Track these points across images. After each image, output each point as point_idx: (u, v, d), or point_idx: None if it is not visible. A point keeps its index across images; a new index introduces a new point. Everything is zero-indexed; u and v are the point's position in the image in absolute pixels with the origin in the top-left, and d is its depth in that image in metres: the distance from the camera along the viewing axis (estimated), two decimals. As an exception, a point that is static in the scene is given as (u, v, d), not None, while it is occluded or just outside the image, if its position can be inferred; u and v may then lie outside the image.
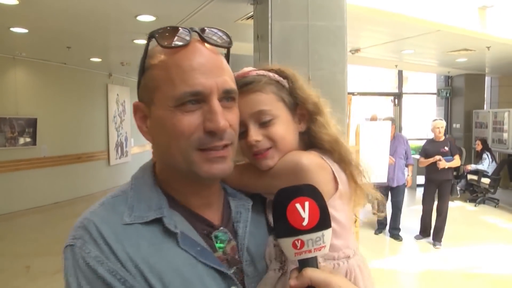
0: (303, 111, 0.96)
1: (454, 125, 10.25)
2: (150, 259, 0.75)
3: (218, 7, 4.15)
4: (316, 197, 0.71)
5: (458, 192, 8.53)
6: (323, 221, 0.71)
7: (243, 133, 0.90)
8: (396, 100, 10.49)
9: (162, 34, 0.79)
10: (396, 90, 10.60)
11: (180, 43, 0.78)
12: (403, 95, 10.58)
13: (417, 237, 6.06)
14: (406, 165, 6.13)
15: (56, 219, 7.09)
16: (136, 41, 5.93)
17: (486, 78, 10.35)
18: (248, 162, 0.96)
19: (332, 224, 0.83)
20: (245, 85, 0.90)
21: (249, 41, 3.46)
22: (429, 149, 5.88)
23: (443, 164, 5.68)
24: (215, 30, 0.84)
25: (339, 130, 0.97)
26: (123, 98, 10.29)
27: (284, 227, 0.70)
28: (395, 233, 6.11)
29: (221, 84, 0.79)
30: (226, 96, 0.81)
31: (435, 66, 9.18)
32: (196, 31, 0.81)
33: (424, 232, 6.02)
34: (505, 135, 8.74)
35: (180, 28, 0.79)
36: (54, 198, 8.10)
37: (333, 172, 0.89)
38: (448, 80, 10.47)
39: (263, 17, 3.11)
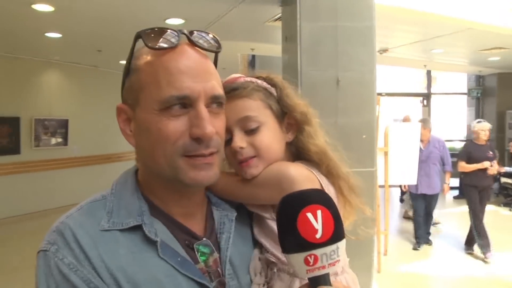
0: (291, 120, 0.93)
1: (485, 126, 9.98)
2: (128, 268, 0.72)
3: (247, 9, 4.19)
4: (328, 204, 0.63)
5: (492, 196, 8.31)
6: (338, 231, 0.62)
7: (229, 140, 0.87)
8: (425, 101, 10.30)
9: (150, 35, 0.75)
10: (425, 91, 10.40)
11: (168, 45, 0.75)
12: (432, 96, 10.38)
13: (467, 250, 5.48)
14: (444, 172, 5.73)
15: (87, 218, 7.29)
16: (165, 44, 6.04)
17: (520, 77, 10.04)
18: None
19: None
20: (232, 91, 0.88)
21: (278, 43, 3.48)
22: (474, 153, 5.38)
23: (493, 171, 5.30)
24: (204, 34, 0.81)
25: (328, 142, 0.93)
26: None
27: (294, 240, 0.61)
28: (426, 237, 5.87)
29: (209, 90, 0.76)
30: (214, 102, 0.77)
31: (465, 65, 8.96)
32: (184, 34, 0.77)
33: (470, 243, 5.46)
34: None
35: (168, 29, 0.76)
36: (85, 197, 8.02)
37: (321, 185, 0.85)
38: (480, 79, 10.20)
39: (292, 18, 3.12)
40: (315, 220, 0.61)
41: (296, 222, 0.60)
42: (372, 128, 3.06)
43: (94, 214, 0.77)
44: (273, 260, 0.86)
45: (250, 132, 0.87)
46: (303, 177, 0.83)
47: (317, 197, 0.63)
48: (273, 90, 0.92)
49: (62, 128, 7.82)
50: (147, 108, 0.75)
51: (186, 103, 0.74)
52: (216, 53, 0.84)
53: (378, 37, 3.21)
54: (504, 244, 5.78)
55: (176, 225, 0.81)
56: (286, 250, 0.63)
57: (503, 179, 8.11)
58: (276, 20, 4.43)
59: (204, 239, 0.83)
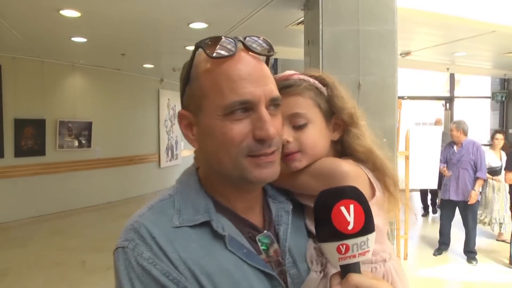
0: (338, 120, 0.96)
1: (510, 131, 9.78)
2: (201, 260, 0.77)
3: (269, 13, 4.22)
4: (360, 199, 0.69)
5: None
6: (368, 225, 0.68)
7: None
8: (448, 104, 10.15)
9: (209, 44, 0.80)
10: (448, 94, 10.25)
11: (228, 53, 0.79)
12: (455, 99, 10.22)
13: None
14: (475, 178, 5.18)
15: (109, 218, 7.42)
16: (188, 48, 6.11)
17: (546, 80, 9.81)
18: None
19: None
20: (285, 88, 0.92)
21: (300, 46, 3.50)
22: None
23: None
24: (257, 38, 0.85)
25: (375, 141, 0.97)
26: (174, 103, 10.59)
27: (328, 230, 0.68)
28: (470, 256, 5.19)
29: (268, 93, 0.80)
30: (272, 104, 0.82)
31: (489, 69, 8.81)
32: (240, 40, 0.81)
33: None
34: None
35: (225, 37, 0.80)
36: (108, 198, 8.48)
37: (369, 179, 0.90)
38: (504, 83, 10.00)
39: (314, 22, 3.14)
40: (348, 213, 0.67)
41: (330, 214, 0.67)
42: (393, 132, 3.05)
43: (165, 213, 0.82)
44: (332, 264, 0.91)
45: (298, 128, 0.92)
46: (354, 173, 0.88)
47: (351, 193, 0.69)
48: (324, 89, 0.96)
49: (85, 130, 7.98)
50: (211, 114, 0.79)
51: (248, 107, 0.78)
52: (269, 56, 0.88)
53: (400, 40, 3.20)
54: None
55: (239, 219, 0.86)
56: (321, 239, 0.70)
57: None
58: (298, 24, 4.45)
59: (265, 231, 0.88)
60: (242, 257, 0.80)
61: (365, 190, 0.86)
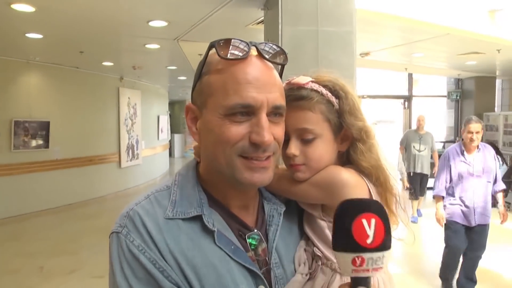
0: (347, 132, 0.96)
1: (464, 128, 10.19)
2: (188, 252, 0.81)
3: (230, 12, 4.21)
4: (382, 215, 0.68)
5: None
6: (386, 241, 0.67)
7: (287, 141, 0.93)
8: (406, 103, 10.47)
9: (223, 45, 0.82)
10: (406, 93, 10.57)
11: (239, 57, 0.82)
12: (413, 98, 10.55)
13: None
14: (495, 192, 4.01)
15: (69, 221, 7.21)
16: (147, 46, 6.03)
17: (497, 80, 10.29)
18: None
19: None
20: (297, 100, 0.92)
21: (260, 46, 3.50)
22: None
23: None
24: (273, 46, 0.87)
25: (383, 156, 0.97)
26: (134, 101, 10.41)
27: (347, 241, 0.67)
28: (468, 286, 4.08)
29: (272, 100, 0.82)
30: (275, 112, 0.84)
31: (445, 69, 9.15)
32: (255, 46, 0.84)
33: None
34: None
35: (240, 41, 0.83)
36: (67, 199, 8.22)
37: (369, 192, 0.91)
38: (459, 82, 10.43)
39: (273, 22, 3.16)
40: (369, 227, 0.66)
41: (352, 225, 0.66)
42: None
43: (159, 203, 0.86)
44: (319, 254, 0.92)
45: (306, 142, 0.93)
46: (353, 182, 0.89)
47: (375, 207, 0.68)
48: (335, 102, 0.95)
49: (43, 130, 7.70)
50: (213, 112, 0.83)
51: (249, 111, 0.81)
52: (281, 65, 0.90)
53: (360, 41, 3.27)
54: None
55: (231, 216, 0.89)
56: (337, 248, 0.69)
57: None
58: (258, 23, 4.46)
59: (255, 230, 0.91)
60: (229, 253, 0.83)
61: None
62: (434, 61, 8.11)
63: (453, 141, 10.11)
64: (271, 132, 0.83)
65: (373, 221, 0.67)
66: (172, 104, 16.50)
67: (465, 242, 4.01)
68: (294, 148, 0.93)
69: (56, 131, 7.88)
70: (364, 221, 0.66)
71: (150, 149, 11.66)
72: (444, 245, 4.23)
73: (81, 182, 8.57)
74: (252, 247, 0.89)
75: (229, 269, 0.83)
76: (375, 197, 0.91)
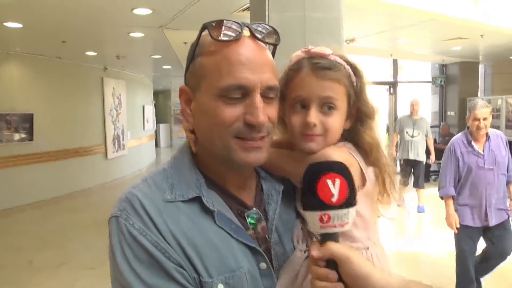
0: (353, 111, 0.97)
1: (449, 113, 10.33)
2: (189, 233, 0.81)
3: (215, -1, 4.16)
4: (346, 175, 0.72)
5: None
6: (350, 199, 0.72)
7: (301, 110, 0.92)
8: (391, 89, 10.54)
9: (215, 26, 0.82)
10: (391, 79, 10.64)
11: (231, 38, 0.81)
12: (398, 84, 10.63)
13: None
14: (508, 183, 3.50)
15: (55, 214, 7.14)
16: (132, 34, 5.93)
17: (480, 66, 10.42)
18: (281, 140, 1.00)
19: (356, 217, 0.87)
20: (323, 69, 0.91)
21: (246, 33, 3.47)
22: None
23: None
24: (266, 26, 0.87)
25: (381, 140, 1.00)
26: (119, 92, 10.28)
27: (313, 200, 0.72)
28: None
29: (265, 81, 0.82)
30: (268, 92, 0.84)
31: (430, 55, 9.23)
32: (247, 26, 0.84)
33: None
34: (499, 121, 8.82)
35: (232, 21, 0.82)
36: (53, 192, 8.12)
37: (361, 169, 0.91)
38: (443, 68, 10.53)
39: (260, 8, 3.12)
40: (333, 186, 0.71)
41: (316, 185, 0.71)
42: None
43: (158, 186, 0.86)
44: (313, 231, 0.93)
45: (326, 112, 0.92)
46: (343, 160, 0.88)
47: (338, 168, 0.73)
48: (355, 79, 0.95)
49: (26, 122, 7.56)
50: (207, 93, 0.83)
51: (243, 92, 0.81)
52: (274, 45, 0.89)
53: (345, 27, 3.25)
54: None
55: (229, 196, 0.90)
56: (305, 207, 0.74)
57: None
58: (244, 10, 4.42)
59: (254, 208, 0.92)
60: (230, 232, 0.84)
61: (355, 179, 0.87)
62: (418, 47, 8.17)
63: (438, 126, 10.25)
64: (265, 112, 0.83)
65: (337, 180, 0.71)
66: (156, 94, 16.34)
67: (475, 247, 3.52)
68: (315, 117, 0.91)
69: (40, 123, 7.76)
70: (328, 181, 0.71)
71: (136, 139, 11.57)
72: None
73: (67, 175, 8.47)
74: (252, 226, 0.90)
75: (230, 248, 0.83)
76: (367, 175, 0.92)
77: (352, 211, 0.73)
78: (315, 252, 0.73)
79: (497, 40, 7.20)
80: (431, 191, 8.27)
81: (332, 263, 0.72)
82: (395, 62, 10.44)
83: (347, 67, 0.94)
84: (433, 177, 9.70)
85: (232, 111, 0.81)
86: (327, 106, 0.91)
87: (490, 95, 10.07)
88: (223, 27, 0.82)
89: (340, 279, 0.72)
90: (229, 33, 0.82)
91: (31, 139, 7.68)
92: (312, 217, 0.73)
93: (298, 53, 0.96)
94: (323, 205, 0.72)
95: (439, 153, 9.19)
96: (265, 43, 0.87)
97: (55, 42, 6.44)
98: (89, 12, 4.72)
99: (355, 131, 0.97)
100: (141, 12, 4.65)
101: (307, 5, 3.01)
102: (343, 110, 0.94)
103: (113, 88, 9.99)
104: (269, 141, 0.88)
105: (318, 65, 0.91)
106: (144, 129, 12.65)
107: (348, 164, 0.82)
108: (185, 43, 5.72)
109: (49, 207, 7.64)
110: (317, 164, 0.74)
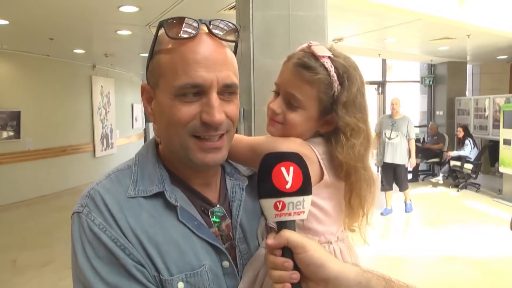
0: (333, 119, 0.93)
1: (437, 113, 10.41)
2: (150, 229, 0.80)
3: (201, -3, 4.16)
4: (300, 164, 0.74)
5: (441, 178, 8.70)
6: (305, 187, 0.74)
7: (275, 96, 0.97)
8: (380, 89, 10.59)
9: (171, 24, 0.81)
10: (380, 79, 10.69)
11: (187, 35, 0.81)
12: (387, 83, 10.69)
13: None
14: None
15: (42, 213, 7.07)
16: (119, 32, 5.90)
17: (468, 65, 10.51)
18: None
19: (316, 211, 0.88)
20: (302, 67, 0.91)
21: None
22: None
23: None
24: (223, 23, 0.85)
25: (367, 163, 0.94)
26: (107, 90, 10.21)
27: (268, 188, 0.73)
28: None
29: (222, 79, 0.81)
30: (227, 90, 0.83)
31: (418, 55, 9.29)
32: (204, 23, 0.83)
33: None
34: (486, 121, 8.91)
35: (189, 19, 0.81)
36: (40, 191, 8.05)
37: (319, 162, 0.90)
38: (431, 68, 10.60)
39: (245, 7, 3.13)
40: (287, 173, 0.73)
41: (271, 173, 0.73)
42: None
43: (121, 182, 0.85)
44: (272, 226, 0.91)
45: (290, 106, 0.93)
46: (294, 151, 0.86)
47: (292, 157, 0.75)
48: (337, 88, 0.91)
49: (13, 120, 7.49)
50: (165, 92, 0.82)
51: (199, 90, 0.81)
52: (233, 42, 0.88)
53: (333, 27, 3.28)
54: (449, 221, 6.15)
55: (193, 192, 0.90)
56: (260, 195, 0.75)
57: (452, 162, 8.48)
58: (230, 9, 4.42)
59: (218, 206, 0.91)
60: (192, 228, 0.83)
61: (311, 172, 0.81)
62: (406, 46, 8.22)
63: (426, 126, 10.33)
64: (224, 110, 0.83)
65: (291, 168, 0.73)
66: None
67: None
68: (277, 105, 0.94)
69: (27, 121, 7.68)
70: (283, 169, 0.73)
71: (124, 138, 11.49)
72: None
73: (55, 173, 8.40)
74: (216, 224, 0.89)
75: (192, 245, 0.83)
76: (325, 169, 0.90)
77: (307, 199, 0.75)
78: (270, 240, 0.73)
79: (483, 40, 7.28)
80: (419, 191, 8.40)
81: (288, 251, 0.72)
82: (384, 61, 10.50)
83: (333, 73, 0.91)
84: (421, 176, 9.79)
85: (189, 109, 0.81)
86: (291, 101, 0.93)
87: (478, 94, 10.17)
88: (180, 24, 0.81)
89: (296, 268, 0.72)
90: (188, 29, 0.81)
91: (18, 137, 7.60)
92: (267, 205, 0.74)
93: (303, 46, 0.97)
94: (278, 192, 0.73)
95: (427, 153, 9.35)
96: (223, 40, 0.85)
97: (43, 39, 6.38)
98: (76, 8, 4.68)
99: (332, 141, 0.93)
100: (128, 9, 4.63)
101: (292, 3, 3.02)
102: (311, 112, 0.93)
103: (102, 86, 9.92)
104: (229, 138, 0.88)
105: (298, 61, 0.91)
106: (133, 127, 12.56)
107: (302, 154, 0.82)
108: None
109: (36, 206, 7.57)
110: (272, 154, 0.75)
